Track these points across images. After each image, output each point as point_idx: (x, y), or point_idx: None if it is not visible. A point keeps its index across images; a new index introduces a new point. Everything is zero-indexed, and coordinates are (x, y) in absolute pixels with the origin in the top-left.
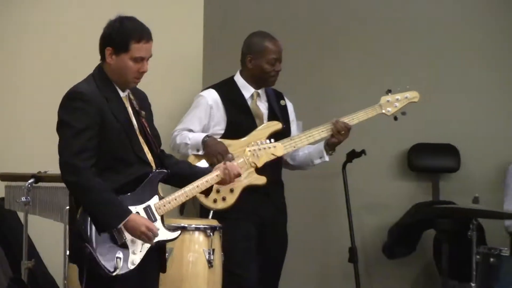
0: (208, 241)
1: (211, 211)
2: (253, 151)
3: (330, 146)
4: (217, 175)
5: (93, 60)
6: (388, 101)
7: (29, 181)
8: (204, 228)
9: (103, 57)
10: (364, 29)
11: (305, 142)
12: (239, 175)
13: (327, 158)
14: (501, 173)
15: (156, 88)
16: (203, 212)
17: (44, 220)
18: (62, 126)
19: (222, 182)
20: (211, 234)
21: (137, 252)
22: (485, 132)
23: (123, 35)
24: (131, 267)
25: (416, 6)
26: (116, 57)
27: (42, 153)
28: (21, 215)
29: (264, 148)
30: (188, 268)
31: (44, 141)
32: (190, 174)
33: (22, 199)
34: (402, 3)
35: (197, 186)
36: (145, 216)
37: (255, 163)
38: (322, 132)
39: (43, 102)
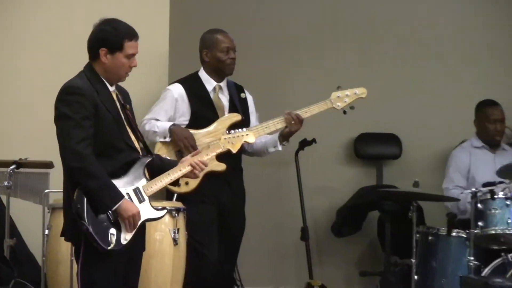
0: (174, 221)
1: (175, 194)
2: (228, 138)
3: (284, 136)
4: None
5: (60, 55)
6: (338, 96)
7: (11, 167)
8: (170, 209)
9: (93, 57)
10: (317, 31)
11: (261, 132)
12: (206, 165)
13: (280, 148)
14: (439, 160)
15: (125, 83)
16: (168, 195)
17: (24, 203)
18: (61, 118)
19: (190, 174)
20: (176, 215)
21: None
22: (424, 122)
23: (117, 36)
24: (124, 242)
25: (358, 7)
26: (111, 56)
27: (22, 142)
28: (4, 198)
29: (238, 136)
30: (155, 245)
31: (24, 131)
32: (161, 165)
33: (5, 183)
34: (346, 6)
35: (180, 170)
36: (135, 197)
37: (230, 150)
38: (277, 123)
39: (25, 92)
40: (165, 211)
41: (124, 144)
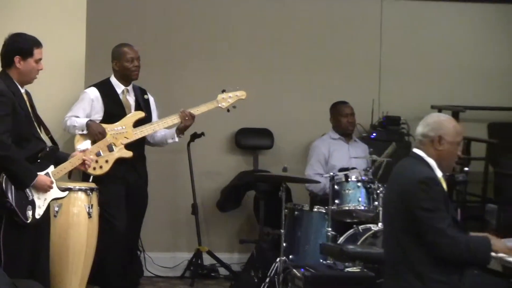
0: (88, 199)
1: (91, 176)
2: (113, 134)
3: (180, 130)
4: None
5: None
6: (223, 97)
7: None
8: (85, 189)
9: (8, 64)
10: (206, 41)
11: (161, 126)
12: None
13: (177, 139)
14: (304, 149)
15: (47, 88)
16: (85, 176)
17: None
18: None
19: (80, 166)
20: (90, 193)
21: (41, 206)
22: (292, 118)
23: (28, 45)
24: (37, 217)
25: (242, 21)
26: (23, 62)
27: None
28: None
29: (120, 133)
30: (73, 218)
31: None
32: (61, 156)
33: None
34: (233, 19)
35: (79, 159)
36: None
37: (113, 143)
38: (174, 119)
39: None
40: (67, 192)
41: (32, 136)
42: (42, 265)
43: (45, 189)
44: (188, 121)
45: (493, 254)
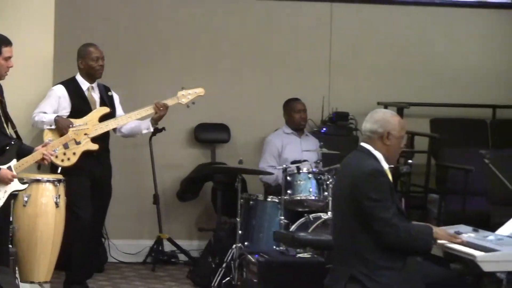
0: (56, 189)
1: (59, 168)
2: (75, 130)
3: (155, 120)
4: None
5: None
6: (183, 94)
7: None
8: (53, 180)
9: None
10: (167, 41)
11: (133, 118)
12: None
13: (152, 129)
14: (258, 143)
15: (16, 85)
16: (53, 168)
17: None
18: None
19: (40, 161)
20: (58, 184)
21: (1, 198)
22: (248, 114)
23: None
24: None
25: (200, 22)
26: None
27: None
28: None
29: (81, 129)
30: (41, 207)
31: None
32: (25, 149)
33: None
34: (191, 20)
35: (42, 153)
36: None
37: (75, 139)
38: (147, 110)
39: None
40: (27, 184)
41: None
42: (2, 252)
43: (6, 182)
44: (163, 111)
45: (440, 241)
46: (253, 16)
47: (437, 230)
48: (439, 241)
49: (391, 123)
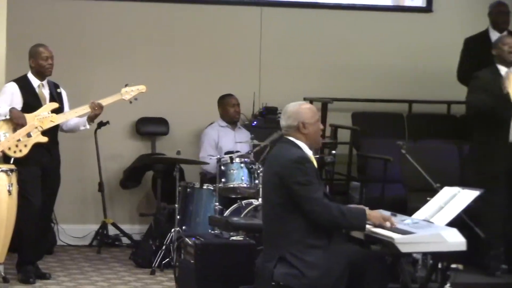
0: (9, 178)
1: (12, 158)
2: (40, 118)
3: (91, 118)
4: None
5: None
6: (126, 91)
7: None
8: (6, 170)
9: None
10: (112, 42)
11: (74, 115)
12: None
13: (88, 126)
14: (196, 135)
15: None
16: (6, 159)
17: None
18: None
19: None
20: (10, 173)
21: None
22: (185, 109)
23: None
24: None
25: (143, 23)
26: None
27: None
28: None
29: (45, 117)
30: None
31: None
32: None
33: None
34: (135, 22)
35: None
36: None
37: (41, 126)
38: (84, 109)
39: None
40: None
41: None
42: None
43: None
44: (97, 110)
45: (368, 224)
46: (190, 19)
47: (371, 212)
48: (371, 224)
49: (302, 114)
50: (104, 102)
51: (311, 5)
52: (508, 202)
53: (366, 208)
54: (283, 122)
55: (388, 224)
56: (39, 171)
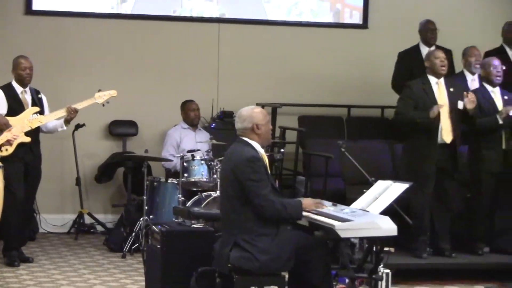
0: None
1: None
2: (30, 119)
3: (67, 121)
4: None
5: None
6: (99, 95)
7: None
8: None
9: None
10: (87, 51)
11: (52, 118)
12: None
13: (65, 128)
14: (161, 136)
15: None
16: None
17: None
18: None
19: (6, 143)
20: None
21: None
22: (153, 112)
23: None
24: None
25: (114, 37)
26: None
27: None
28: None
29: (35, 119)
30: None
31: None
32: None
33: None
34: (109, 35)
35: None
36: None
37: (31, 126)
38: (61, 113)
39: None
40: None
41: None
42: None
43: None
44: (73, 114)
45: (304, 213)
46: (157, 34)
47: (304, 201)
48: (305, 213)
49: (255, 116)
50: (80, 106)
51: (262, 22)
52: (434, 194)
53: (301, 199)
54: (238, 125)
55: (320, 206)
56: (22, 167)
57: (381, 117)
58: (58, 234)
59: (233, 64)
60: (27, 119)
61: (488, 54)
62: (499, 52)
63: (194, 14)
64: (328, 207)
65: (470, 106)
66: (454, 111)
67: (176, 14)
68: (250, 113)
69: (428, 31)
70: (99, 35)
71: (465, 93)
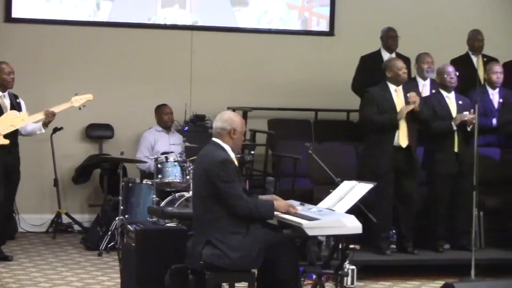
0: None
1: None
2: (12, 118)
3: (45, 124)
4: None
5: None
6: (76, 99)
7: None
8: None
9: None
10: (65, 58)
11: (31, 121)
12: None
13: (43, 131)
14: (136, 139)
15: None
16: None
17: None
18: None
19: None
20: None
21: None
22: (128, 116)
23: None
24: None
25: (95, 39)
26: None
27: None
28: None
29: (17, 117)
30: None
31: None
32: None
33: None
34: (87, 42)
35: None
36: None
37: (13, 126)
38: (40, 116)
39: None
40: None
41: None
42: None
43: None
44: (51, 117)
45: (276, 212)
46: (132, 40)
47: (277, 202)
48: (276, 213)
49: (235, 122)
50: (57, 109)
51: (234, 30)
52: (396, 193)
53: (276, 198)
54: (218, 124)
55: (292, 210)
56: (1, 169)
57: (346, 120)
58: (37, 233)
59: (205, 69)
60: (10, 119)
61: (454, 61)
62: (464, 59)
63: (168, 22)
64: (297, 206)
65: (412, 103)
66: (410, 118)
67: (151, 21)
68: (232, 117)
69: (389, 38)
70: (76, 42)
71: (408, 94)
